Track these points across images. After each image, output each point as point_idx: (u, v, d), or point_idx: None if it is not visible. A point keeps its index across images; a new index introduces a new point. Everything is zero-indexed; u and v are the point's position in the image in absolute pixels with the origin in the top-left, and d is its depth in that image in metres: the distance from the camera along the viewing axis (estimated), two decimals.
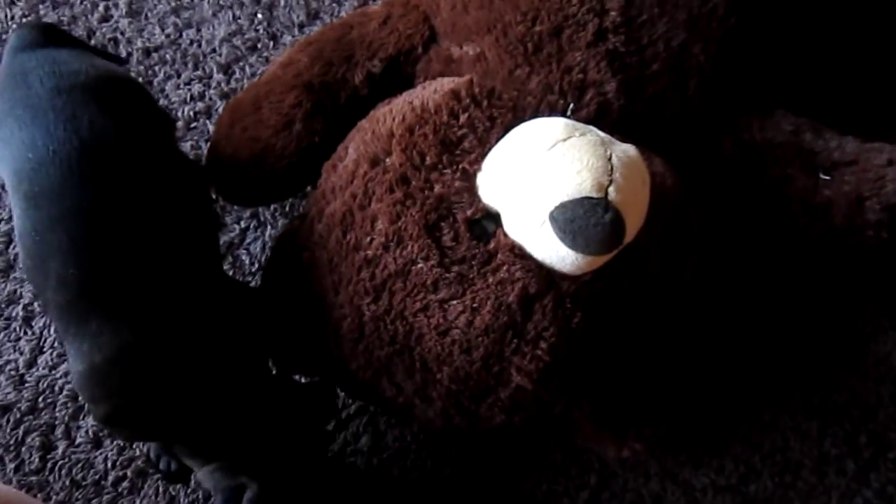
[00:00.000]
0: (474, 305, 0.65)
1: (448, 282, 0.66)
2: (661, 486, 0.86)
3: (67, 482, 0.87)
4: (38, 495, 0.87)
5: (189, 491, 0.86)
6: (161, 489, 0.86)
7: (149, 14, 1.12)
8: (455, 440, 0.86)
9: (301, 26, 1.10)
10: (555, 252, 0.64)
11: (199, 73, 1.08)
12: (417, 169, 0.68)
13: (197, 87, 1.07)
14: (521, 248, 0.66)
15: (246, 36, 1.10)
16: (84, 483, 0.87)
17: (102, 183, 0.64)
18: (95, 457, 0.88)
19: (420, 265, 0.66)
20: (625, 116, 0.76)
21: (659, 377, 0.80)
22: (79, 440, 0.89)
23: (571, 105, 0.74)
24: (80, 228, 0.63)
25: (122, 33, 1.10)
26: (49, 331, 0.94)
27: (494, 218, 0.67)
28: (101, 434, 0.89)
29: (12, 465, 0.88)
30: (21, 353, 0.93)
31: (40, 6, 1.12)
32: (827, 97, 0.95)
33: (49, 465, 0.88)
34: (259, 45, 1.09)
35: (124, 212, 0.65)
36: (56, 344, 0.93)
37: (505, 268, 0.65)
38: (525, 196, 0.63)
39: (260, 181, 0.83)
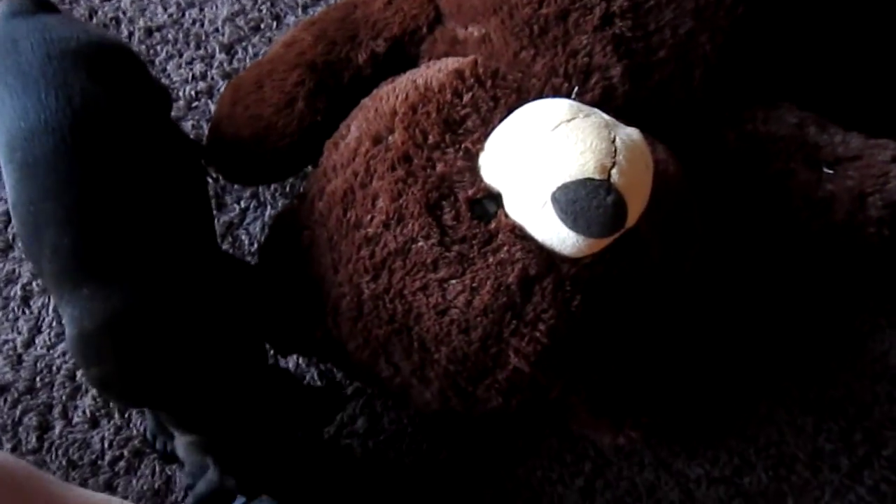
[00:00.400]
0: (474, 285, 0.65)
1: (448, 261, 0.65)
2: (655, 475, 0.85)
3: (64, 462, 0.87)
4: None
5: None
6: (157, 469, 0.86)
7: None
8: (451, 424, 0.85)
9: (305, 7, 1.09)
10: (556, 234, 0.63)
11: (201, 52, 1.07)
12: (420, 147, 0.68)
13: (199, 67, 1.06)
14: (521, 229, 0.65)
15: (249, 16, 1.09)
16: (81, 463, 0.87)
17: (95, 152, 0.64)
18: (92, 437, 0.88)
19: (420, 244, 0.66)
20: (629, 102, 0.76)
21: (656, 366, 0.80)
22: (76, 420, 0.88)
23: (576, 88, 0.74)
24: (73, 197, 0.63)
25: (125, 13, 1.10)
26: (47, 311, 0.93)
27: (496, 198, 0.66)
28: (97, 414, 0.88)
29: (9, 446, 0.87)
30: (19, 333, 0.92)
31: None
32: (832, 92, 0.95)
33: (46, 444, 0.88)
34: (262, 26, 1.08)
35: (117, 181, 0.64)
36: (54, 324, 0.92)
37: (505, 248, 0.65)
38: (527, 176, 0.63)
39: (261, 160, 0.83)
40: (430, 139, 0.68)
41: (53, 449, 0.87)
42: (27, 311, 0.93)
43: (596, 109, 0.65)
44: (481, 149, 0.67)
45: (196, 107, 1.04)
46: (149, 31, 1.09)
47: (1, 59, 0.67)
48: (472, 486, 0.85)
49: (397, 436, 0.86)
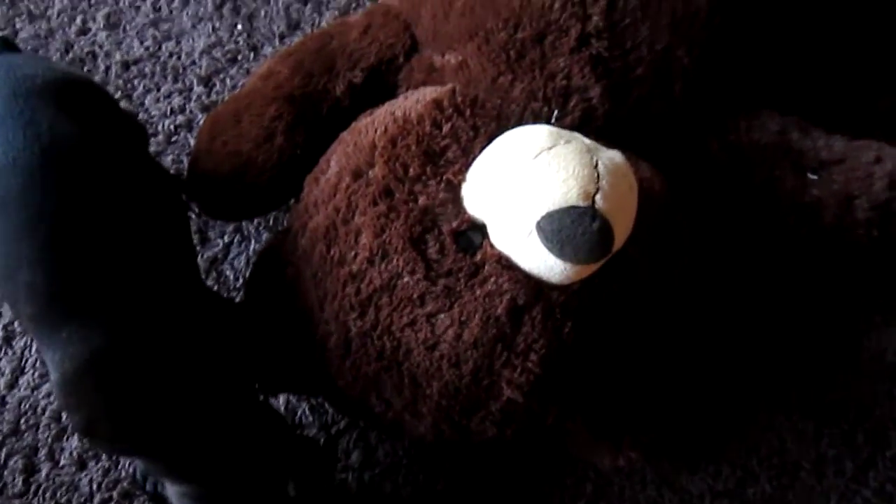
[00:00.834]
0: (462, 318, 0.64)
1: (435, 295, 0.65)
2: (657, 493, 0.85)
3: None
4: None
5: None
6: None
7: (127, 27, 1.11)
8: (448, 454, 0.85)
9: (282, 37, 1.09)
10: (543, 262, 0.62)
11: (178, 85, 1.06)
12: (401, 181, 0.67)
13: (177, 100, 1.05)
14: (508, 259, 0.65)
15: (226, 48, 1.08)
16: None
17: (66, 189, 0.63)
18: (80, 479, 0.86)
19: (406, 279, 0.65)
20: (610, 122, 0.75)
21: (652, 383, 0.79)
22: (63, 462, 0.87)
23: (556, 112, 0.73)
24: (45, 236, 0.62)
25: (101, 46, 1.09)
26: (30, 351, 0.92)
27: (480, 229, 0.66)
28: (85, 456, 0.87)
29: None
30: (2, 374, 0.91)
31: (16, 20, 1.11)
32: (813, 95, 0.95)
33: (33, 487, 0.86)
34: (239, 57, 1.08)
35: (90, 218, 0.63)
36: (38, 364, 0.91)
37: (492, 279, 0.64)
38: (511, 206, 0.62)
39: (242, 195, 0.82)
40: (411, 172, 0.67)
41: (40, 492, 0.86)
42: (9, 352, 0.92)
43: (577, 134, 0.65)
44: (463, 179, 0.67)
45: (175, 141, 1.03)
46: (126, 65, 1.08)
47: None
48: None
49: (393, 468, 0.85)
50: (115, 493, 0.86)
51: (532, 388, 0.66)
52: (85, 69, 1.07)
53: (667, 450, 0.84)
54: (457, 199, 0.67)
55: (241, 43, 1.08)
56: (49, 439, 0.88)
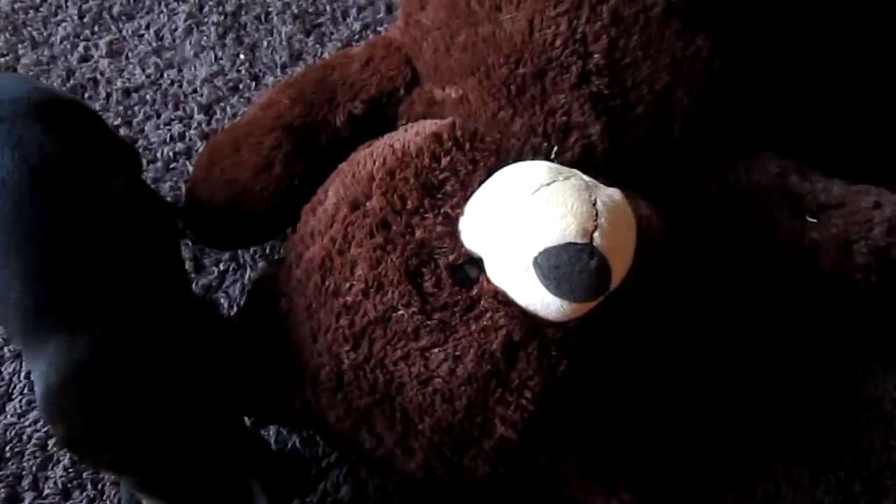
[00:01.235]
0: (457, 353, 0.64)
1: (429, 329, 0.64)
2: None
3: None
4: None
5: None
6: None
7: (129, 54, 1.11)
8: (438, 491, 0.83)
9: (283, 67, 1.09)
10: (539, 299, 0.62)
11: (179, 113, 1.07)
12: (398, 213, 0.67)
13: (177, 128, 1.05)
14: (504, 295, 0.64)
15: (228, 76, 1.09)
16: None
17: (55, 209, 0.64)
18: None
19: (401, 312, 0.64)
20: (610, 159, 0.75)
21: (647, 424, 0.78)
22: (47, 492, 0.85)
23: (555, 148, 0.74)
24: (35, 255, 0.62)
25: (102, 73, 1.10)
26: (18, 377, 0.91)
27: (477, 263, 0.65)
28: (69, 486, 0.85)
29: None
30: None
31: (19, 46, 1.11)
32: (812, 138, 0.95)
33: None
34: (241, 86, 1.08)
35: (79, 236, 0.64)
36: (25, 390, 0.90)
37: (488, 314, 0.64)
38: (508, 241, 0.62)
39: (238, 224, 0.82)
40: (409, 204, 0.67)
41: None
42: None
43: (576, 171, 0.65)
44: (461, 213, 0.66)
45: (174, 168, 1.03)
46: (127, 92, 1.08)
47: None
48: None
49: (383, 503, 0.84)
50: None
51: (526, 426, 0.65)
52: (86, 96, 1.08)
53: (661, 493, 0.82)
54: (454, 233, 0.66)
55: (242, 72, 1.09)
56: (34, 468, 0.86)
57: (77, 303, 0.63)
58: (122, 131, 1.04)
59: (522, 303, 0.63)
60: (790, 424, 0.88)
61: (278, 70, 1.09)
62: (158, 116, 1.07)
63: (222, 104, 1.07)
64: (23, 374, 0.91)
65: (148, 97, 1.08)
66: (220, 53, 1.11)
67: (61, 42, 1.12)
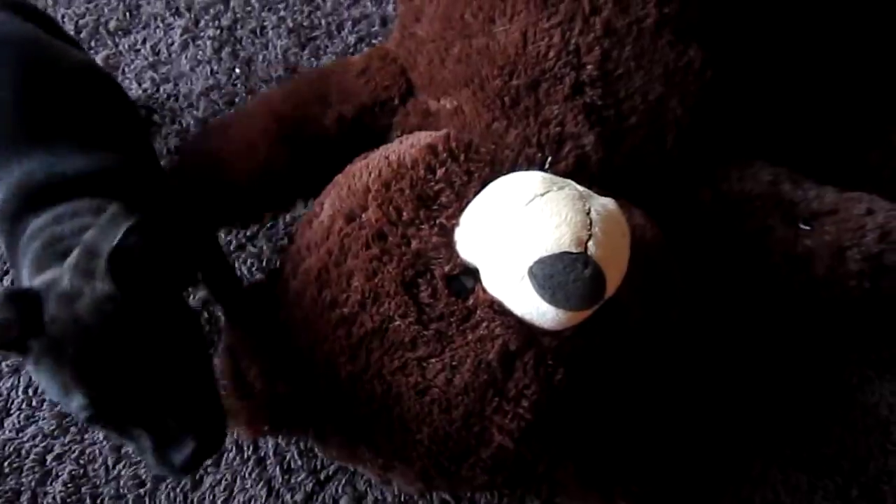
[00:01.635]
0: (453, 363, 0.64)
1: (426, 339, 0.64)
2: None
3: None
4: None
5: None
6: None
7: (126, 69, 1.12)
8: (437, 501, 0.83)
9: (279, 80, 1.10)
10: (535, 308, 0.62)
11: (176, 126, 1.07)
12: (394, 224, 0.67)
13: (174, 142, 1.06)
14: (500, 304, 0.64)
15: (223, 90, 1.09)
16: None
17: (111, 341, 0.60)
18: None
19: (397, 322, 0.65)
20: (604, 169, 0.76)
21: (645, 432, 0.78)
22: None
23: (549, 158, 0.74)
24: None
25: None
26: (17, 392, 0.91)
27: (473, 273, 0.66)
28: (68, 500, 0.85)
29: None
30: None
31: None
32: (804, 146, 0.96)
33: None
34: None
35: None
36: (24, 406, 0.90)
37: (484, 324, 0.64)
38: (503, 251, 0.62)
39: (219, 193, 0.83)
40: (405, 216, 0.67)
41: None
42: None
43: (570, 181, 0.65)
44: (456, 224, 0.67)
45: None
46: None
47: None
48: None
49: None
50: None
51: (523, 435, 0.65)
52: None
53: (659, 500, 0.82)
54: (449, 244, 0.66)
55: (238, 86, 1.10)
56: (33, 483, 0.86)
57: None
58: None
59: (518, 312, 0.64)
60: (787, 431, 0.88)
61: (274, 83, 1.09)
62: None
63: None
64: (20, 390, 0.91)
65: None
66: (215, 67, 1.11)
67: None
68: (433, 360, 0.64)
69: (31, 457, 0.87)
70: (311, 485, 0.85)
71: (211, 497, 0.85)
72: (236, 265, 0.97)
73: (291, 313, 0.70)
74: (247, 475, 0.86)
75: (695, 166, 0.81)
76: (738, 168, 0.83)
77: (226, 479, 0.85)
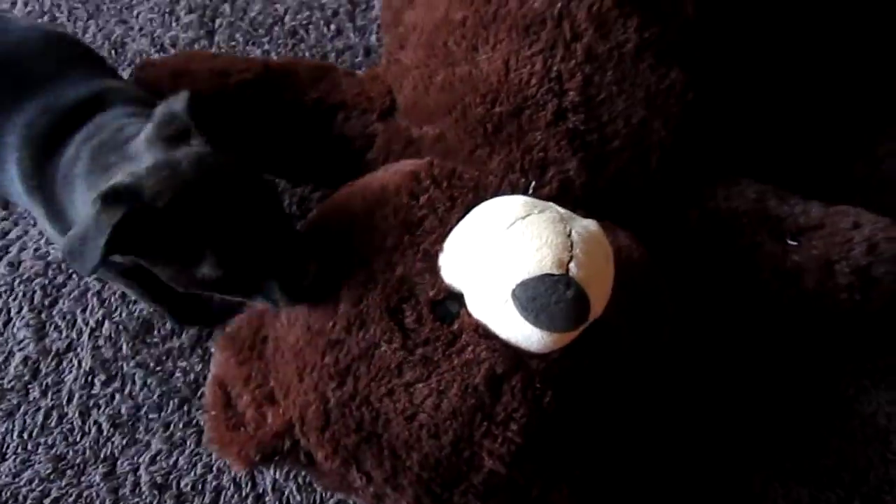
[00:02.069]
0: (441, 388, 0.64)
1: (412, 364, 0.64)
2: None
3: None
4: None
5: None
6: None
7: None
8: None
9: None
10: (520, 330, 0.63)
11: None
12: (378, 250, 0.68)
13: None
14: (485, 328, 0.65)
15: None
16: None
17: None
18: None
19: (383, 348, 0.65)
20: (588, 192, 0.77)
21: (639, 452, 0.78)
22: None
23: (533, 183, 0.75)
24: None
25: None
26: (11, 436, 0.90)
27: (458, 298, 0.66)
28: None
29: None
30: None
31: None
32: (789, 162, 0.96)
33: None
34: None
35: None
36: (19, 450, 0.89)
37: (470, 348, 0.64)
38: (487, 275, 0.63)
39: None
40: (389, 242, 0.68)
41: None
42: None
43: (551, 204, 0.66)
44: (440, 249, 0.67)
45: None
46: None
47: None
48: None
49: None
50: None
51: (514, 459, 0.65)
52: None
53: None
54: (434, 269, 0.67)
55: None
56: None
57: None
58: None
59: (504, 335, 0.64)
60: (786, 444, 0.88)
61: None
62: None
63: None
64: (16, 434, 0.90)
65: None
66: None
67: None
68: (420, 386, 0.64)
69: (28, 501, 0.87)
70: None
71: None
72: None
73: (281, 341, 0.71)
74: None
75: (680, 186, 0.82)
76: (724, 186, 0.84)
77: None
